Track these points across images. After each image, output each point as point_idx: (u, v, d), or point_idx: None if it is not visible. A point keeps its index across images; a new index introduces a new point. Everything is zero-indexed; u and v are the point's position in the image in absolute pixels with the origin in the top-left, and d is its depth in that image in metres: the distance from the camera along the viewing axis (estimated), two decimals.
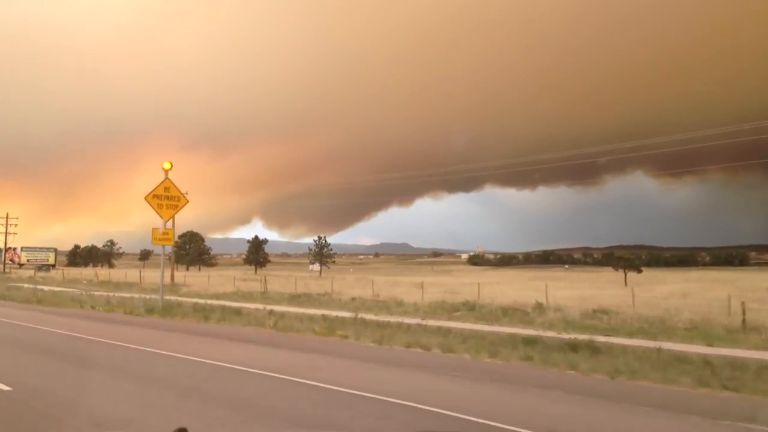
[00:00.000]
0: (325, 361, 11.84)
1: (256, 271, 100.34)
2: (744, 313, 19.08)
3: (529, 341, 14.91)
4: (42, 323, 17.93)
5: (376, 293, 36.39)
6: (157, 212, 21.64)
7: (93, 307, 24.56)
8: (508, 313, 23.29)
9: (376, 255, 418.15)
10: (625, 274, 46.91)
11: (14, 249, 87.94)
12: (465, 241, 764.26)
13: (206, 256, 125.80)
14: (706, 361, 11.52)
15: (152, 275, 67.69)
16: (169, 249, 24.00)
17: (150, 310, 21.93)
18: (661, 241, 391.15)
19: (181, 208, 22.18)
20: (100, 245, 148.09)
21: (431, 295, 36.47)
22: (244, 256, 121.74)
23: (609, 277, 75.26)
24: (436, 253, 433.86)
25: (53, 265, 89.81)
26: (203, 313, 20.99)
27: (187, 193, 22.68)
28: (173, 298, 31.12)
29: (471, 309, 25.55)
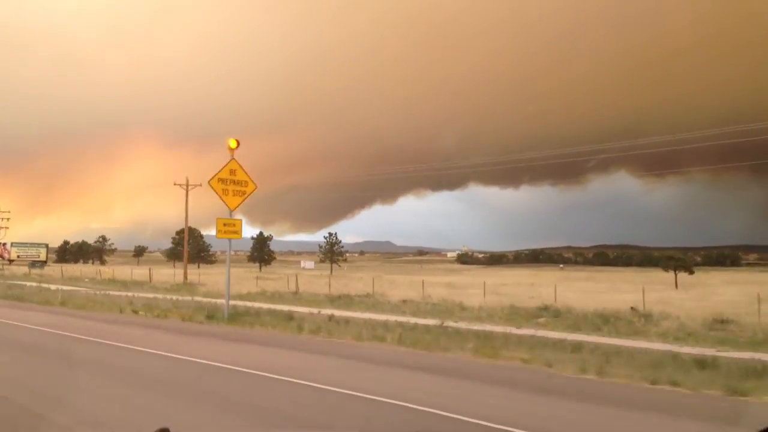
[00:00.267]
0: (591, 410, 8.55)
1: (260, 268, 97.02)
2: None
3: (699, 363, 12.41)
4: (96, 334, 15.04)
5: (426, 294, 33.68)
6: (222, 199, 18.71)
7: (136, 312, 21.62)
8: (610, 320, 20.80)
9: (362, 253, 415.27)
10: (676, 275, 44.98)
11: (4, 244, 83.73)
12: (449, 239, 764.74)
13: (205, 253, 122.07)
14: None
15: (160, 273, 64.29)
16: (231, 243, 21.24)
17: (210, 317, 19.08)
18: (646, 241, 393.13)
19: (249, 196, 19.27)
20: (83, 241, 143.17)
21: (473, 298, 34.04)
22: (248, 254, 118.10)
23: (626, 277, 73.59)
24: (421, 252, 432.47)
25: (44, 262, 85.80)
26: (279, 320, 18.20)
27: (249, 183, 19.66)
28: (218, 301, 28.26)
29: (555, 315, 23.08)
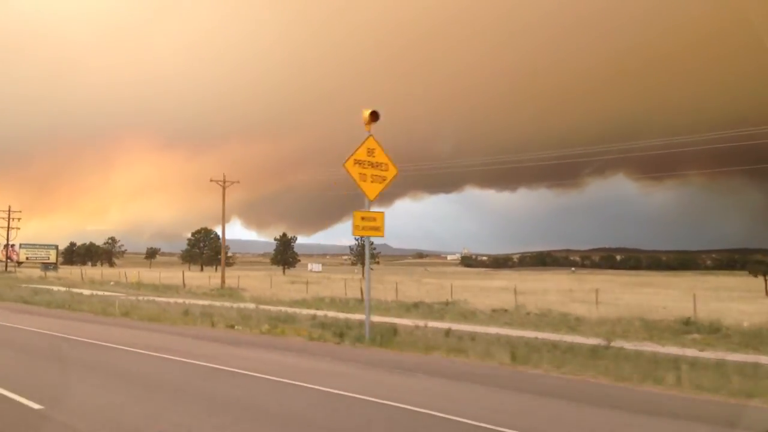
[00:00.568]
0: None
1: (284, 271, 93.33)
2: None
3: None
4: (235, 363, 11.56)
5: (518, 302, 30.19)
6: (359, 186, 15.05)
7: (232, 327, 18.09)
8: None
9: None
10: (766, 281, 41.90)
11: (12, 246, 79.45)
12: (446, 242, 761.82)
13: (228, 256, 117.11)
14: None
15: (189, 277, 60.28)
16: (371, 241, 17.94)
17: (340, 335, 15.57)
18: (643, 244, 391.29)
19: (389, 183, 15.70)
20: (91, 243, 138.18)
21: (568, 306, 30.76)
22: (271, 256, 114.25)
23: (684, 282, 70.62)
24: (420, 255, 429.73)
25: (55, 264, 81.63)
26: (437, 340, 14.77)
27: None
28: (303, 311, 24.81)
29: (713, 331, 19.74)
